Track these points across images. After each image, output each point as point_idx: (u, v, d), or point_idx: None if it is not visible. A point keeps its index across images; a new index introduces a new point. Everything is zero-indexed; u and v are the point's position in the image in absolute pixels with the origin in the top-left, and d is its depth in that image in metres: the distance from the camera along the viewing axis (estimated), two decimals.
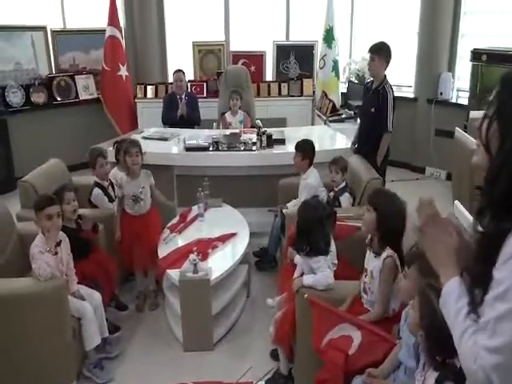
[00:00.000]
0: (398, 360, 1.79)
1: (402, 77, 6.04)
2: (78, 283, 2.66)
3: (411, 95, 5.93)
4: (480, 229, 1.04)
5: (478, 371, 0.94)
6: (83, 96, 6.11)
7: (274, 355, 2.69)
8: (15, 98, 5.53)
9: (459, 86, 5.67)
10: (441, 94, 5.61)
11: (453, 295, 1.06)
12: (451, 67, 5.70)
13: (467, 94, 5.21)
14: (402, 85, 6.06)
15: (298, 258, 2.54)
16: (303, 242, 2.35)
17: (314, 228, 2.34)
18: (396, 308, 2.06)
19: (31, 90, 5.65)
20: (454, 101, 5.64)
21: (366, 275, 2.16)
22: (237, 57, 6.44)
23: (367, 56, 3.82)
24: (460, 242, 1.13)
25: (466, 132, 4.15)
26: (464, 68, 5.44)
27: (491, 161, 1.02)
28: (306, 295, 2.14)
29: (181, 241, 3.24)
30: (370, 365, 1.86)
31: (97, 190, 3.40)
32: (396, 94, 5.61)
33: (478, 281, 1.02)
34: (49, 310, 2.34)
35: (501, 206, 0.98)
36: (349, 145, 4.16)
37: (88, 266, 2.79)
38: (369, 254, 2.18)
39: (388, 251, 2.06)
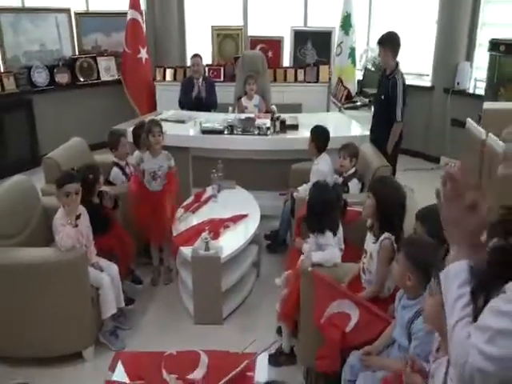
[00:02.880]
0: (393, 337, 1.91)
1: (419, 65, 6.04)
2: (97, 255, 2.83)
3: (428, 84, 5.93)
4: (500, 243, 1.01)
5: (466, 366, 0.98)
6: (104, 77, 6.27)
7: (280, 331, 2.82)
8: (40, 77, 5.71)
9: (477, 75, 5.62)
10: (458, 83, 5.60)
11: (458, 279, 1.06)
12: (470, 57, 5.67)
13: (485, 85, 5.21)
14: (420, 73, 6.07)
15: (305, 247, 2.66)
16: (314, 221, 2.48)
17: (325, 207, 2.49)
18: (391, 287, 2.18)
19: (55, 70, 5.82)
20: (471, 91, 5.60)
21: (365, 256, 2.28)
22: (254, 42, 6.49)
23: None
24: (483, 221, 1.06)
25: (479, 123, 4.16)
26: (483, 58, 5.38)
27: None
28: (310, 268, 2.26)
29: (194, 220, 3.38)
30: (366, 342, 1.98)
31: (116, 169, 3.56)
32: (413, 83, 5.73)
33: (486, 285, 1.03)
34: (70, 278, 2.51)
35: None
36: (363, 132, 4.23)
37: (106, 240, 2.95)
38: (369, 237, 2.29)
39: (386, 234, 2.17)
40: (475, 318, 1.02)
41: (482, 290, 1.03)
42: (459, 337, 1.02)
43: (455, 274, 1.07)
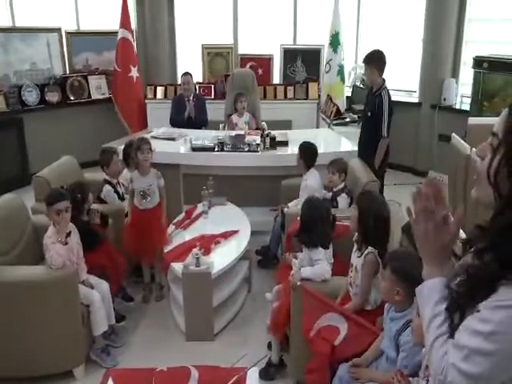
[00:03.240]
0: (381, 349, 1.93)
1: (407, 82, 6.16)
2: (88, 273, 2.83)
3: (416, 100, 6.04)
4: (476, 263, 1.01)
5: (446, 382, 1.00)
6: (95, 96, 6.30)
7: (271, 346, 2.83)
8: (31, 96, 5.73)
9: (463, 91, 5.74)
10: (444, 99, 5.70)
11: (433, 297, 1.07)
12: (455, 73, 5.79)
13: (470, 100, 5.32)
14: (407, 90, 6.19)
15: (295, 262, 2.69)
16: (308, 236, 2.52)
17: (317, 222, 2.54)
18: (378, 300, 2.20)
19: (46, 89, 5.84)
20: (457, 106, 5.71)
21: (351, 270, 2.31)
22: (245, 60, 6.58)
23: None
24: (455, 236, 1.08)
25: (465, 137, 4.25)
26: (468, 74, 5.50)
27: (502, 204, 0.97)
28: (299, 283, 2.29)
29: (185, 236, 3.40)
30: (355, 355, 2.00)
31: (107, 187, 3.57)
32: (401, 99, 5.82)
33: (460, 305, 1.04)
34: (60, 296, 2.51)
35: (504, 252, 0.96)
36: (352, 148, 4.29)
37: (97, 257, 2.95)
38: (354, 251, 2.33)
39: (369, 248, 2.21)
40: (452, 335, 1.04)
41: (457, 307, 1.04)
42: (437, 355, 1.03)
43: (429, 292, 1.08)
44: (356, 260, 2.28)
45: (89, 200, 3.01)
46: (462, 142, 3.97)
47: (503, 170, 0.96)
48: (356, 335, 2.06)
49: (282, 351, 2.66)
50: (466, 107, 5.52)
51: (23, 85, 5.67)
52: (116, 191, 3.64)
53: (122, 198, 3.63)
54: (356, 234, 2.34)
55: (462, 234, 1.16)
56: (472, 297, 1.00)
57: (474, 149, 3.81)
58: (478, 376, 0.97)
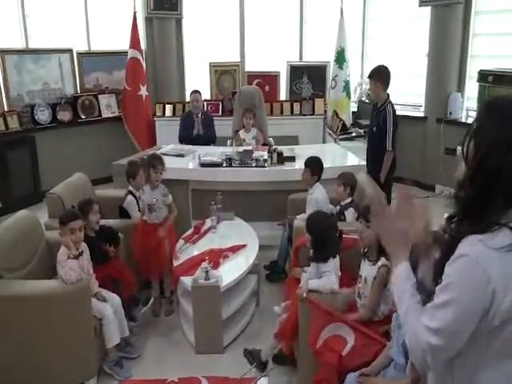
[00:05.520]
0: (390, 357, 1.95)
1: (412, 97, 6.22)
2: (99, 287, 2.88)
3: (421, 114, 6.08)
4: (448, 231, 1.19)
5: (416, 345, 1.11)
6: (105, 114, 6.42)
7: (277, 359, 2.84)
8: (43, 115, 5.87)
9: (469, 105, 5.79)
10: (450, 113, 5.72)
11: (401, 277, 1.23)
12: (461, 87, 5.83)
13: (475, 114, 5.35)
14: (413, 104, 6.24)
15: (304, 276, 2.72)
16: (318, 251, 2.57)
17: (327, 233, 2.59)
18: (385, 311, 2.23)
19: (58, 108, 5.98)
20: (463, 120, 5.74)
21: (360, 281, 2.34)
22: (251, 77, 6.69)
23: None
24: (409, 227, 1.28)
25: None
26: (474, 88, 5.54)
27: (465, 171, 1.16)
28: (305, 294, 2.32)
29: (194, 251, 3.45)
30: (363, 365, 2.03)
31: (130, 197, 3.66)
32: (407, 114, 5.88)
33: (439, 272, 1.17)
34: (73, 309, 2.57)
35: (469, 213, 1.13)
36: (358, 162, 4.34)
37: (106, 271, 3.01)
38: (363, 262, 2.36)
39: (383, 260, 2.24)
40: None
41: (437, 276, 1.16)
42: (410, 321, 1.15)
43: (399, 274, 1.23)
44: (367, 270, 2.31)
45: (93, 215, 3.05)
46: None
47: (470, 145, 1.15)
48: (363, 345, 2.08)
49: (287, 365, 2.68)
50: (472, 120, 5.55)
51: (36, 104, 5.81)
52: (137, 203, 3.72)
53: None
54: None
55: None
56: (446, 259, 1.12)
57: (459, 147, 3.84)
58: (445, 329, 1.07)
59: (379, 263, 2.26)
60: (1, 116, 5.44)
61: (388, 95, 3.93)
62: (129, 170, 3.81)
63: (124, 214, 3.70)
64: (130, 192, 3.76)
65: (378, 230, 1.36)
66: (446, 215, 2.61)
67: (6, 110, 5.61)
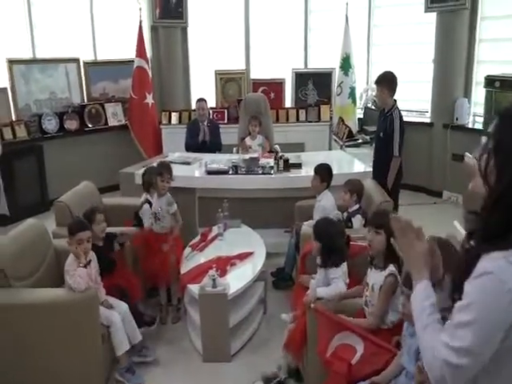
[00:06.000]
0: (401, 366, 1.93)
1: (418, 102, 6.21)
2: (106, 295, 2.88)
3: (428, 120, 6.06)
4: (467, 246, 1.17)
5: (434, 362, 1.08)
6: (112, 123, 6.45)
7: (292, 375, 2.81)
8: (50, 124, 5.90)
9: (476, 111, 5.76)
10: (457, 119, 5.69)
11: (421, 295, 1.22)
12: (467, 93, 5.80)
13: (483, 119, 5.33)
14: (419, 110, 6.22)
15: (312, 283, 2.71)
16: (329, 257, 2.56)
17: (335, 240, 2.58)
18: (395, 320, 2.21)
19: (65, 117, 6.01)
20: (470, 126, 5.71)
21: (367, 289, 2.32)
22: (257, 84, 6.71)
23: None
24: (429, 248, 1.30)
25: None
26: (481, 93, 5.53)
27: (489, 192, 1.10)
28: (312, 305, 2.30)
29: (201, 258, 3.44)
30: (373, 373, 2.00)
31: (147, 206, 3.62)
32: (413, 120, 5.86)
33: (457, 289, 1.14)
34: (81, 317, 2.57)
35: (492, 234, 1.08)
36: (364, 169, 4.33)
37: (113, 279, 3.02)
38: (370, 270, 2.34)
39: (391, 268, 2.22)
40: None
41: (456, 292, 1.15)
42: (427, 339, 1.13)
43: (419, 291, 1.23)
44: (374, 278, 2.29)
45: (97, 223, 3.05)
46: (476, 160, 3.98)
47: (491, 162, 1.09)
48: (373, 353, 2.06)
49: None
50: (479, 126, 5.53)
51: (43, 113, 5.85)
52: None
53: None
54: (370, 253, 2.36)
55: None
56: (465, 276, 1.09)
57: (467, 153, 3.81)
58: (466, 349, 1.03)
59: (386, 271, 2.24)
60: (9, 125, 5.48)
61: (395, 101, 3.92)
62: (147, 178, 3.72)
63: (139, 221, 3.68)
64: (147, 201, 3.70)
65: (401, 251, 1.35)
66: (456, 223, 2.58)
67: (13, 119, 5.65)
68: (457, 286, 1.17)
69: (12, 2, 5.70)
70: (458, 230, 2.52)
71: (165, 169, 3.48)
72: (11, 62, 5.64)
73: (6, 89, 5.63)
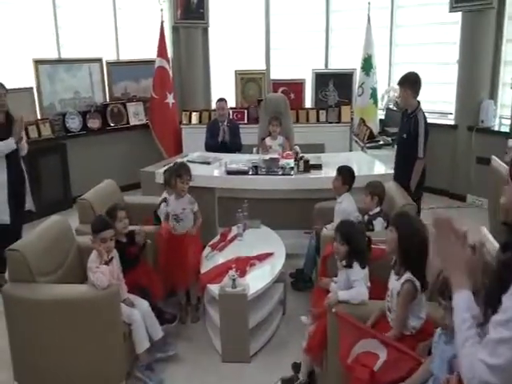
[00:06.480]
0: (429, 372, 1.88)
1: (442, 104, 6.11)
2: (128, 293, 2.91)
3: (452, 122, 5.94)
4: (502, 258, 1.13)
5: (474, 380, 1.05)
6: (133, 122, 6.53)
7: (296, 367, 2.81)
8: (73, 123, 6.01)
9: (502, 113, 5.64)
10: (482, 121, 5.57)
11: (463, 305, 1.16)
12: (493, 94, 5.68)
13: (510, 122, 5.21)
14: (443, 112, 6.12)
15: (333, 286, 2.69)
16: (353, 257, 2.55)
17: (360, 241, 2.57)
18: (417, 326, 2.17)
19: (88, 116, 6.12)
20: (496, 128, 5.58)
21: (388, 295, 2.29)
22: (277, 84, 6.71)
23: None
24: (472, 257, 1.23)
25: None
26: (507, 95, 5.43)
27: None
28: (334, 309, 2.28)
29: (221, 258, 3.45)
30: (397, 380, 1.97)
31: (165, 205, 3.65)
32: (436, 122, 5.77)
33: (491, 301, 1.12)
34: (103, 314, 2.60)
35: None
36: (386, 171, 4.27)
37: (135, 277, 3.04)
38: (392, 275, 2.31)
39: (408, 275, 2.17)
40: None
41: (490, 304, 1.12)
42: (467, 353, 1.09)
43: (460, 301, 1.17)
44: (393, 283, 2.25)
45: (119, 221, 3.08)
46: (504, 164, 3.90)
47: None
48: (396, 360, 2.02)
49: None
50: (506, 129, 5.38)
51: (67, 112, 5.96)
52: None
53: None
54: (394, 258, 2.32)
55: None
56: (500, 288, 1.07)
57: (494, 156, 3.73)
58: (503, 367, 1.01)
59: (403, 278, 2.19)
60: (34, 124, 5.59)
61: (419, 102, 3.87)
62: (169, 178, 3.71)
63: (158, 219, 3.69)
64: (165, 199, 3.73)
65: (439, 256, 1.27)
66: (484, 229, 2.49)
67: (39, 118, 5.76)
68: (489, 298, 1.14)
69: (39, 5, 5.81)
70: (486, 237, 2.46)
71: (183, 170, 3.49)
72: (37, 63, 5.76)
73: (32, 88, 5.75)
